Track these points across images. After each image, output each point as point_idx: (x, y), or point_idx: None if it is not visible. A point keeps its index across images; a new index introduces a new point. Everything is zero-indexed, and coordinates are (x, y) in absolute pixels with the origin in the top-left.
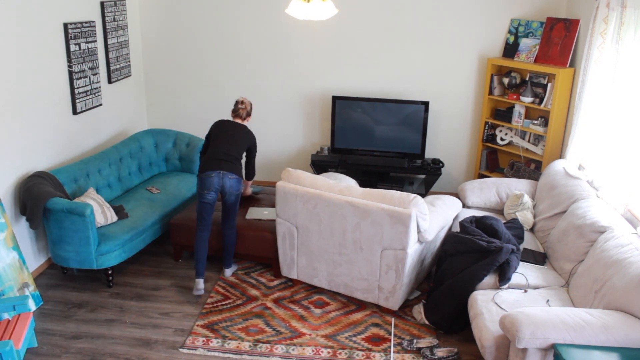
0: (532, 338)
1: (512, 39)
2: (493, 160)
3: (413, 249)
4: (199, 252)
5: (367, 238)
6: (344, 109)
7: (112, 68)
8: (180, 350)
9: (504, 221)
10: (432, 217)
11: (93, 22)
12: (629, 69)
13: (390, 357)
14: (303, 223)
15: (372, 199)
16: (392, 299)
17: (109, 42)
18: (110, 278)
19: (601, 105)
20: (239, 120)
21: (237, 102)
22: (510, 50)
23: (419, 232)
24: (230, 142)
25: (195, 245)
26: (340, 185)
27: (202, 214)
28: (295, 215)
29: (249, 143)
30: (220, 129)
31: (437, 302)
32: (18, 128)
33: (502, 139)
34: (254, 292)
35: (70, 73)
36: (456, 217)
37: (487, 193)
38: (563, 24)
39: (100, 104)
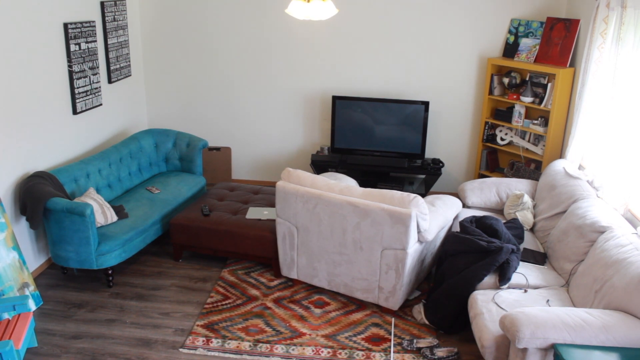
0: (532, 338)
1: (512, 38)
2: (493, 160)
3: (413, 249)
4: None
5: (367, 238)
6: (344, 109)
7: (112, 68)
8: (180, 350)
9: (504, 221)
10: (432, 217)
11: (93, 22)
12: (629, 69)
13: (390, 357)
14: (303, 223)
15: (372, 199)
16: (392, 299)
17: (109, 42)
18: (110, 278)
19: (601, 105)
20: None
21: None
22: (511, 50)
23: (419, 232)
24: None
25: None
26: (341, 185)
27: None
28: (295, 215)
29: None
30: None
31: (437, 302)
32: (18, 128)
33: (502, 139)
34: (254, 292)
35: (70, 73)
36: (456, 217)
37: (487, 193)
38: (563, 24)
39: (100, 104)
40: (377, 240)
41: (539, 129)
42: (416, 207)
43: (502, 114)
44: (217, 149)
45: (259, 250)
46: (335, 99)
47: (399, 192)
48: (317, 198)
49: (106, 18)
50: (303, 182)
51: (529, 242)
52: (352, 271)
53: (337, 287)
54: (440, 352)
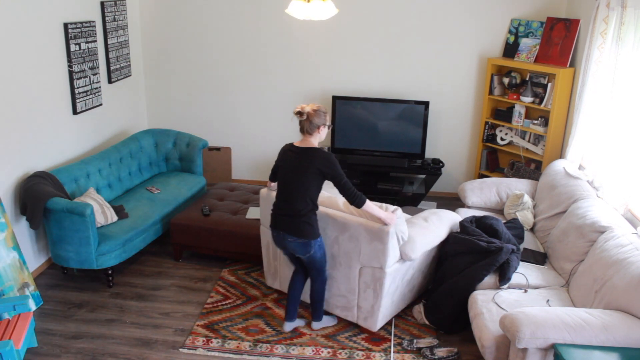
0: (532, 338)
1: (512, 38)
2: (493, 160)
3: (393, 269)
4: (288, 292)
5: (345, 253)
6: (344, 108)
7: (112, 68)
8: (180, 350)
9: (504, 221)
10: (420, 234)
11: (93, 22)
12: (629, 69)
13: (390, 357)
14: None
15: (352, 212)
16: (370, 319)
17: (109, 42)
18: (110, 278)
19: (601, 105)
20: (306, 139)
21: (295, 114)
22: (511, 50)
23: (401, 248)
24: (289, 185)
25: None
26: (323, 196)
27: (289, 258)
28: None
29: (318, 175)
30: (282, 162)
31: (437, 302)
32: (18, 128)
33: (502, 139)
34: (254, 292)
35: (71, 73)
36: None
37: (487, 193)
38: (563, 23)
39: (100, 104)
40: (355, 257)
41: (539, 129)
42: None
43: (502, 114)
44: (217, 149)
45: (259, 250)
46: (335, 98)
47: (383, 206)
48: None
49: (106, 18)
50: None
51: (529, 242)
52: (332, 287)
53: None
54: (440, 352)
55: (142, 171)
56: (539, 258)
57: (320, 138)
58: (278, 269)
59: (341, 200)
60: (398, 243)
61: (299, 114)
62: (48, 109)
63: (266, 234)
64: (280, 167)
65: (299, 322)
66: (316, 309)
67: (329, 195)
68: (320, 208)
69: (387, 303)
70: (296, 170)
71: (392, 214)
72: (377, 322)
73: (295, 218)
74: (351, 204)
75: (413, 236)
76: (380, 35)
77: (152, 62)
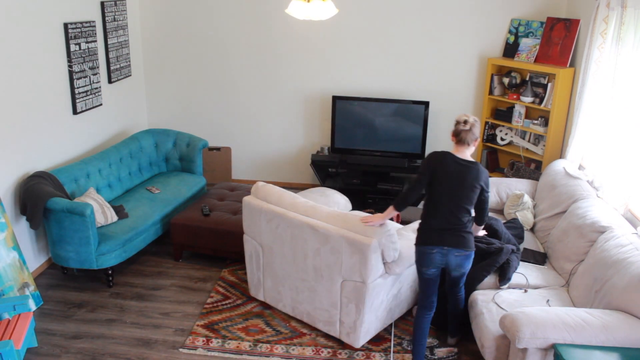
0: (532, 338)
1: (512, 38)
2: (493, 160)
3: (376, 283)
4: (416, 335)
5: (327, 266)
6: (344, 108)
7: (112, 68)
8: (180, 350)
9: (504, 221)
10: (407, 247)
11: (93, 22)
12: (629, 69)
13: (390, 357)
14: (267, 243)
15: (335, 223)
16: (352, 335)
17: (109, 42)
18: (110, 278)
19: (601, 105)
20: (462, 151)
21: (457, 123)
22: (511, 50)
23: (385, 262)
24: (456, 197)
25: (413, 325)
26: (307, 205)
27: (425, 291)
28: (260, 233)
29: (479, 190)
30: (441, 173)
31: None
32: (18, 128)
33: (502, 139)
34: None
35: (71, 73)
36: None
37: None
38: (563, 23)
39: (100, 104)
40: (337, 269)
41: (539, 129)
42: (380, 236)
43: (502, 114)
44: (217, 149)
45: None
46: (335, 98)
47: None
48: (280, 217)
49: (106, 18)
50: (269, 198)
51: (529, 242)
52: (314, 300)
53: (300, 315)
54: (440, 352)
55: (142, 171)
56: (539, 258)
57: (471, 151)
58: (261, 280)
59: (324, 210)
60: (387, 258)
61: (465, 122)
62: (48, 109)
63: (250, 244)
64: (440, 178)
65: None
66: (456, 323)
67: (313, 205)
68: (302, 218)
69: (371, 318)
70: (463, 183)
71: None
72: (360, 339)
73: (461, 232)
74: (480, 222)
75: (399, 249)
76: (380, 35)
77: (152, 62)
